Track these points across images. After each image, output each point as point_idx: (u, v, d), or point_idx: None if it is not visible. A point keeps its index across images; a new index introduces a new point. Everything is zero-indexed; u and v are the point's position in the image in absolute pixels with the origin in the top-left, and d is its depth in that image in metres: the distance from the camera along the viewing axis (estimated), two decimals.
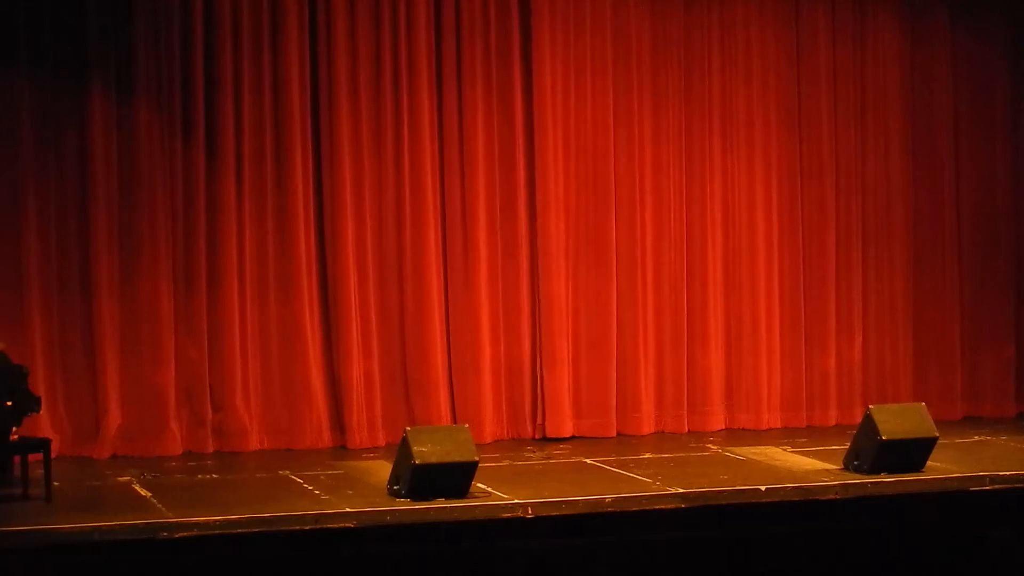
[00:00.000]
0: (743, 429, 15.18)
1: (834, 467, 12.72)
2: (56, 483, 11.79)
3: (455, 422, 14.29)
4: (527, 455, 13.79)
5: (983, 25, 15.90)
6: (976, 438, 14.32)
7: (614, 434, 14.93)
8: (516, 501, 11.44)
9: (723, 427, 15.23)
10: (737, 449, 13.85)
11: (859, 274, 15.64)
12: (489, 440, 14.39)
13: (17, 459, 11.97)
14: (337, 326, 14.33)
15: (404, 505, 11.29)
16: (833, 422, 15.40)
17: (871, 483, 12.15)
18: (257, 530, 10.83)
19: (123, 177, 13.88)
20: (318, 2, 14.29)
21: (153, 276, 13.91)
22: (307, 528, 10.94)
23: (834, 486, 12.10)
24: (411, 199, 14.55)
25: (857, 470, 12.43)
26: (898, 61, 15.72)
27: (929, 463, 12.52)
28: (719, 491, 11.92)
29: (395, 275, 14.58)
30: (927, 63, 15.80)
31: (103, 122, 13.78)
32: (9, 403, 11.72)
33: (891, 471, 12.26)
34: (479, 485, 11.73)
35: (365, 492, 11.84)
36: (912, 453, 12.44)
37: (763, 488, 11.98)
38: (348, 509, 11.20)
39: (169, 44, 13.92)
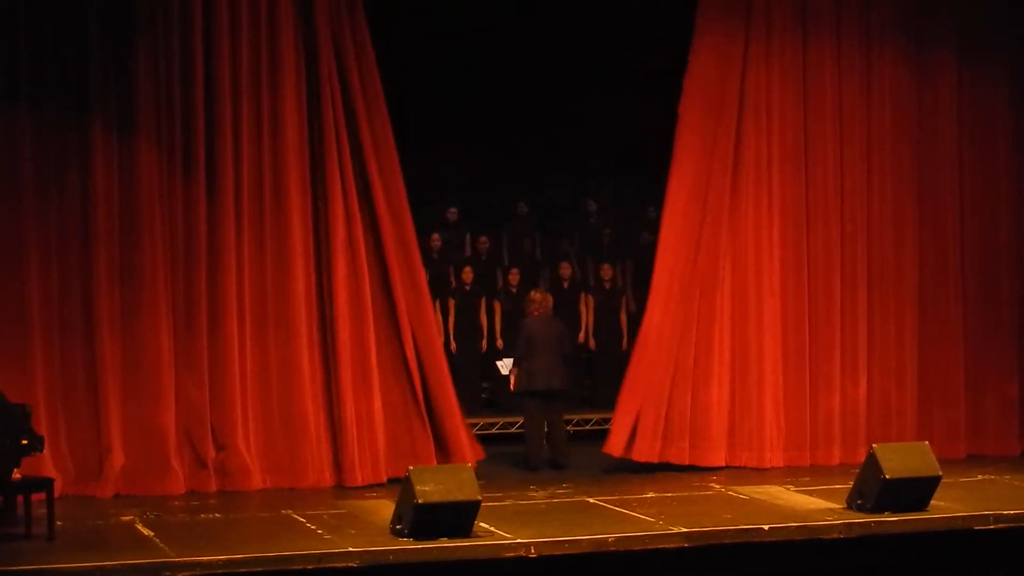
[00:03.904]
0: (745, 467, 15.15)
1: (838, 506, 12.71)
2: (59, 522, 11.78)
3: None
4: (530, 494, 13.77)
5: (987, 66, 15.94)
6: (980, 477, 14.31)
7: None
8: (519, 540, 11.43)
9: (724, 463, 15.20)
10: (740, 488, 13.83)
11: (864, 313, 15.63)
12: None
13: (20, 498, 11.97)
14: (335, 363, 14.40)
15: (407, 544, 11.28)
16: (837, 461, 15.37)
17: (875, 522, 12.14)
18: (260, 570, 10.82)
19: (124, 215, 13.91)
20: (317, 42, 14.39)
21: (154, 315, 13.93)
22: (310, 568, 10.93)
23: (838, 525, 12.09)
24: None
25: (861, 509, 12.42)
26: (903, 102, 15.75)
27: (933, 502, 12.51)
28: (722, 530, 11.90)
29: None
30: (932, 104, 15.83)
31: (104, 160, 13.82)
32: (24, 441, 11.74)
33: (895, 510, 12.25)
34: (482, 524, 11.72)
35: (368, 531, 11.83)
36: (916, 492, 12.42)
37: (766, 527, 11.96)
38: (351, 549, 11.19)
39: (169, 82, 13.98)
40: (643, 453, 14.98)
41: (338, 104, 14.41)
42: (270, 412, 14.25)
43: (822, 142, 15.53)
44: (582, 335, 17.70)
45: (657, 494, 13.57)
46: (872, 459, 12.44)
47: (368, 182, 14.60)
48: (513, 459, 15.51)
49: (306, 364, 14.30)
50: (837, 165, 15.59)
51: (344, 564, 11.01)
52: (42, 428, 12.85)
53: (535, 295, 15.62)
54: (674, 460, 15.03)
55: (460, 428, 14.71)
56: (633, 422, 15.01)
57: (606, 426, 17.20)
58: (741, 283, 15.34)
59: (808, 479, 14.35)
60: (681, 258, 15.24)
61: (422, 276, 14.88)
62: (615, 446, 15.03)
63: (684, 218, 15.25)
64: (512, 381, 15.57)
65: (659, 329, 15.10)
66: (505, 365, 15.59)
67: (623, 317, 18.13)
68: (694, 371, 15.18)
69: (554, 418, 15.37)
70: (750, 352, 15.32)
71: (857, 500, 12.53)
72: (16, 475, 11.84)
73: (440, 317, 17.54)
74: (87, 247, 13.82)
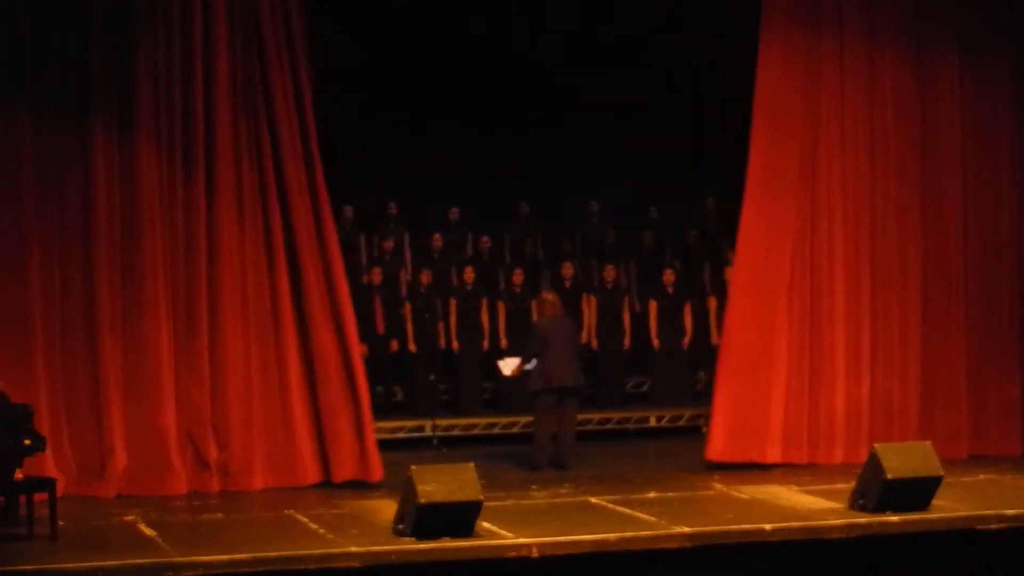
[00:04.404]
0: (748, 464, 15.15)
1: (839, 506, 12.70)
2: (61, 523, 11.79)
3: None
4: (532, 494, 13.77)
5: (988, 66, 15.92)
6: (982, 477, 14.30)
7: None
8: (521, 540, 11.43)
9: (807, 461, 15.27)
10: (742, 488, 13.83)
11: (868, 313, 15.63)
12: None
13: (23, 499, 11.98)
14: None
15: (409, 544, 11.28)
16: (839, 460, 15.38)
17: (876, 522, 12.14)
18: (262, 570, 10.83)
19: (125, 216, 13.92)
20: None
21: (155, 315, 13.93)
22: (312, 568, 10.94)
23: (839, 525, 12.09)
24: None
25: (862, 509, 12.42)
26: (907, 102, 15.74)
27: (934, 502, 12.51)
28: (724, 530, 11.91)
29: None
30: (934, 104, 15.82)
31: (105, 160, 13.83)
32: (27, 441, 11.76)
33: (896, 510, 12.25)
34: (484, 524, 11.72)
35: (370, 531, 11.83)
36: (917, 492, 12.42)
37: (768, 527, 11.96)
38: (353, 549, 11.20)
39: (170, 83, 13.98)
40: (743, 455, 15.04)
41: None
42: (271, 411, 14.25)
43: (827, 143, 15.54)
44: (585, 335, 17.71)
45: (659, 494, 13.57)
46: (874, 459, 12.44)
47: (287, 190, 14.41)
48: (514, 459, 15.51)
49: (293, 363, 14.34)
50: (841, 167, 15.58)
51: (346, 564, 11.01)
52: (44, 428, 12.86)
53: (548, 296, 15.59)
54: (769, 460, 15.11)
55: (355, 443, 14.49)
56: (733, 426, 15.10)
57: (607, 426, 17.30)
58: (817, 285, 15.42)
59: (810, 479, 14.35)
60: (760, 260, 15.29)
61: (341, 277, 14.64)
62: (715, 451, 15.11)
63: (765, 217, 15.28)
64: (523, 379, 15.52)
65: (744, 333, 15.21)
66: (508, 364, 15.53)
67: (625, 317, 18.15)
68: (789, 373, 15.29)
69: (566, 417, 15.34)
70: (824, 352, 15.40)
71: (859, 500, 12.52)
72: (19, 475, 11.86)
73: (442, 317, 17.61)
74: (88, 247, 13.83)
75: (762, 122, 15.20)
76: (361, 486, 14.12)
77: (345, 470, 14.25)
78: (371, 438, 14.35)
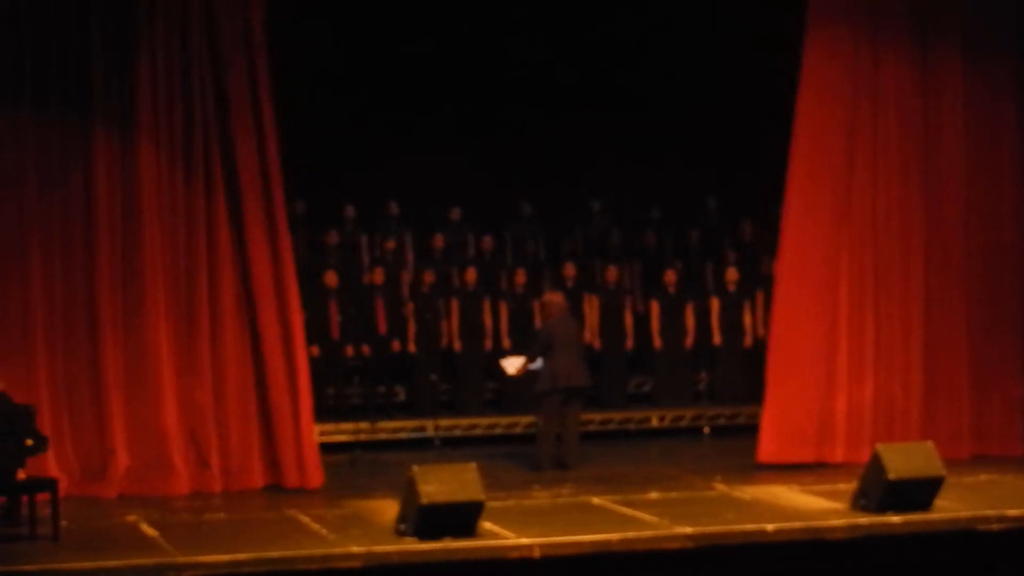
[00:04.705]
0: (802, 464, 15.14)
1: (841, 507, 12.70)
2: (64, 523, 11.82)
3: None
4: (534, 494, 13.77)
5: (992, 66, 15.90)
6: (984, 477, 14.29)
7: None
8: (523, 541, 11.43)
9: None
10: (744, 488, 13.82)
11: (871, 313, 15.62)
12: None
13: (25, 499, 11.99)
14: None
15: (411, 545, 11.28)
16: (841, 460, 15.38)
17: (878, 523, 12.14)
18: (264, 570, 10.84)
19: (126, 216, 13.93)
20: None
21: (157, 315, 13.93)
22: (314, 568, 10.95)
23: (841, 526, 12.09)
24: None
25: (864, 509, 12.42)
26: (910, 102, 15.73)
27: (936, 502, 12.51)
28: (726, 531, 11.90)
29: None
30: (937, 104, 15.81)
31: (107, 161, 13.83)
32: (29, 442, 11.77)
33: (898, 510, 12.25)
34: (486, 525, 11.73)
35: (372, 532, 11.84)
36: (919, 492, 12.42)
37: (770, 528, 11.96)
38: (355, 549, 11.20)
39: (170, 83, 13.98)
40: (797, 455, 15.07)
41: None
42: (267, 411, 14.26)
43: (831, 144, 15.55)
44: (587, 335, 17.70)
45: (661, 495, 13.56)
46: (876, 459, 12.44)
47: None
48: (516, 459, 15.51)
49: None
50: (845, 167, 15.60)
51: (347, 565, 11.02)
52: (46, 429, 12.86)
53: (555, 297, 15.53)
54: (828, 460, 15.13)
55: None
56: (785, 426, 15.14)
57: (609, 426, 17.27)
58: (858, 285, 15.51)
59: (812, 479, 14.34)
60: (802, 265, 15.37)
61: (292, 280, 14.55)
62: (767, 453, 15.15)
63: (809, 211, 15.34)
64: (530, 379, 15.50)
65: (793, 335, 15.28)
66: (512, 363, 15.51)
67: (628, 317, 18.14)
68: (835, 371, 15.36)
69: (571, 418, 15.33)
70: (895, 348, 15.48)
71: (861, 500, 12.52)
72: (21, 475, 11.88)
73: (444, 317, 17.61)
74: (89, 247, 13.84)
75: (804, 127, 15.30)
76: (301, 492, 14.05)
77: (289, 476, 14.18)
78: (310, 443, 14.25)
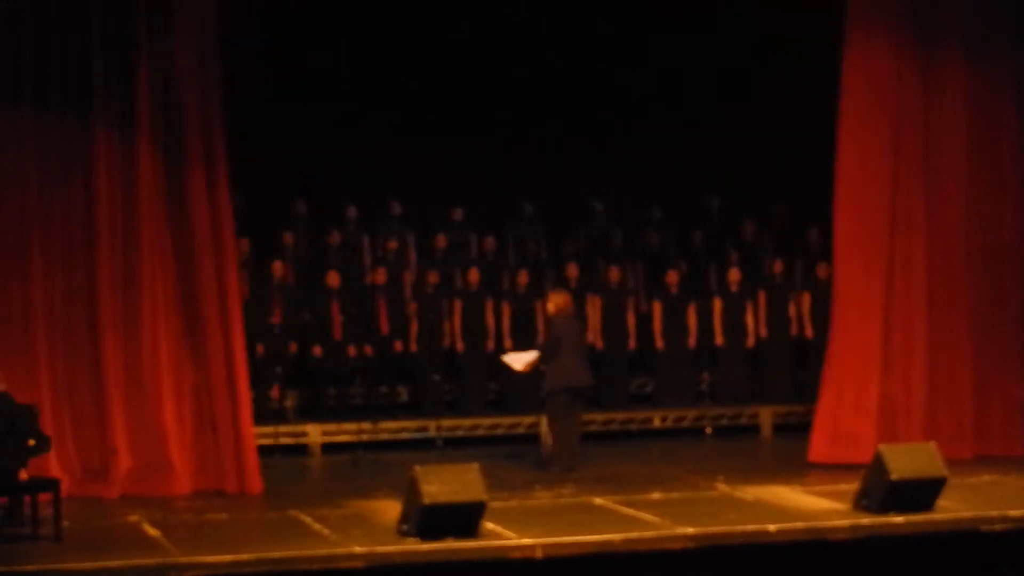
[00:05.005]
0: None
1: (844, 507, 12.69)
2: (66, 523, 11.82)
3: None
4: (536, 494, 13.76)
5: (993, 66, 15.87)
6: (986, 478, 14.28)
7: None
8: (525, 541, 11.43)
9: None
10: (746, 489, 13.82)
11: (909, 315, 15.66)
12: None
13: (27, 499, 11.99)
14: None
15: (413, 545, 11.28)
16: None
17: (881, 523, 12.13)
18: (266, 570, 10.84)
19: (127, 217, 13.92)
20: None
21: (158, 315, 13.93)
22: (316, 568, 10.95)
23: (844, 526, 12.09)
24: None
25: (867, 510, 12.41)
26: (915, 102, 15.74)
27: (939, 503, 12.50)
28: (729, 531, 11.90)
29: None
30: (939, 105, 15.80)
31: (108, 162, 13.81)
32: (31, 442, 11.78)
33: (901, 511, 12.24)
34: (488, 525, 11.72)
35: (374, 532, 11.84)
36: (922, 493, 12.41)
37: (773, 528, 11.96)
38: (357, 549, 11.20)
39: (171, 85, 13.98)
40: (849, 456, 15.02)
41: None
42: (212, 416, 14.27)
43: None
44: (590, 335, 17.70)
45: (663, 495, 13.56)
46: (878, 460, 12.43)
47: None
48: (519, 460, 15.51)
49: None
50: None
51: (349, 565, 11.02)
52: (48, 429, 12.87)
53: (562, 296, 15.47)
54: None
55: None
56: (838, 427, 15.22)
57: (611, 427, 17.27)
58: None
59: (814, 479, 14.34)
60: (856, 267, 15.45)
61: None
62: (819, 453, 15.22)
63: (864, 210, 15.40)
64: (535, 378, 15.50)
65: (846, 336, 15.35)
66: (519, 359, 15.42)
67: (630, 318, 18.13)
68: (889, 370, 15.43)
69: (573, 418, 15.33)
70: (943, 348, 15.56)
71: (863, 501, 12.52)
72: (23, 475, 11.87)
73: (447, 317, 17.61)
74: (90, 248, 13.83)
75: (848, 130, 15.34)
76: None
77: (227, 480, 14.11)
78: (250, 447, 14.16)
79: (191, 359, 14.12)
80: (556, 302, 15.33)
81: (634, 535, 11.71)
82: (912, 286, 15.49)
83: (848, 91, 15.31)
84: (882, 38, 15.35)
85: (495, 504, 12.13)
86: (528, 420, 16.58)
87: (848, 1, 15.23)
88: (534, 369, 15.29)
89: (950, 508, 12.50)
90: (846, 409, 15.28)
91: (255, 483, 14.08)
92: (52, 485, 11.94)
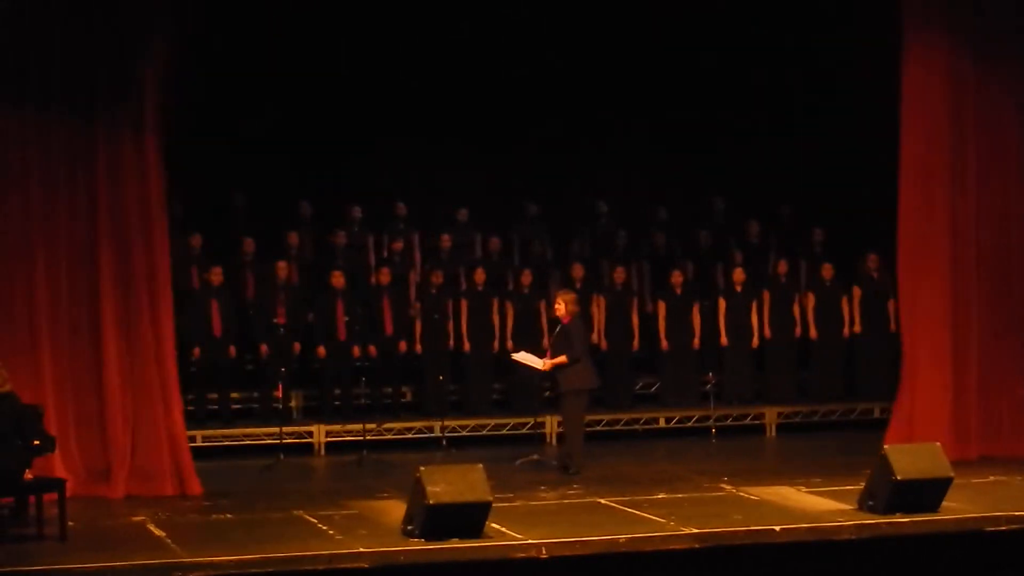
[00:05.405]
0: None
1: (848, 507, 12.68)
2: (71, 523, 11.82)
3: None
4: (541, 495, 13.76)
5: (999, 67, 15.84)
6: (992, 478, 14.26)
7: None
8: (530, 541, 11.43)
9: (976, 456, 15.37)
10: (751, 489, 13.81)
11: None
12: None
13: (32, 499, 12.00)
14: None
15: (417, 545, 11.28)
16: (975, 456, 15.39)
17: (886, 523, 12.13)
18: (271, 570, 10.84)
19: (128, 217, 13.92)
20: None
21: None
22: (320, 568, 10.95)
23: (848, 527, 12.08)
24: None
25: (872, 510, 12.40)
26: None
27: (944, 503, 12.49)
28: (733, 532, 11.90)
29: None
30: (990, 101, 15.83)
31: (109, 162, 13.81)
32: (36, 442, 11.79)
33: (906, 511, 12.23)
34: (493, 525, 11.72)
35: (379, 532, 11.84)
36: (927, 493, 12.40)
37: (777, 529, 11.96)
38: (362, 549, 11.21)
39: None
40: None
41: None
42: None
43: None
44: (595, 336, 17.69)
45: (668, 495, 13.56)
46: (883, 460, 12.41)
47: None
48: (533, 463, 15.48)
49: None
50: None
51: (354, 565, 11.02)
52: (52, 429, 12.86)
53: (571, 296, 15.39)
54: (964, 457, 15.08)
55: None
56: (916, 426, 15.25)
57: (616, 427, 17.28)
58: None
59: (819, 480, 14.32)
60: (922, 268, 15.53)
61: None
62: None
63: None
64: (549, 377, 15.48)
65: (919, 336, 15.44)
66: (535, 358, 15.32)
67: (635, 318, 18.12)
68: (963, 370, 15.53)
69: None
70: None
71: (868, 501, 12.50)
72: (28, 476, 11.87)
73: (452, 318, 17.60)
74: (93, 248, 13.83)
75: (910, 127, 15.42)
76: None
77: (165, 483, 13.98)
78: (183, 448, 14.07)
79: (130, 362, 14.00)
80: (569, 301, 15.23)
81: (639, 535, 11.71)
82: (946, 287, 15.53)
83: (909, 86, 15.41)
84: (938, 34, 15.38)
85: (500, 504, 12.14)
86: (532, 420, 16.59)
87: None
88: (533, 368, 15.25)
89: (955, 509, 12.49)
90: (923, 408, 15.30)
91: (194, 484, 13.96)
92: (57, 485, 11.94)
